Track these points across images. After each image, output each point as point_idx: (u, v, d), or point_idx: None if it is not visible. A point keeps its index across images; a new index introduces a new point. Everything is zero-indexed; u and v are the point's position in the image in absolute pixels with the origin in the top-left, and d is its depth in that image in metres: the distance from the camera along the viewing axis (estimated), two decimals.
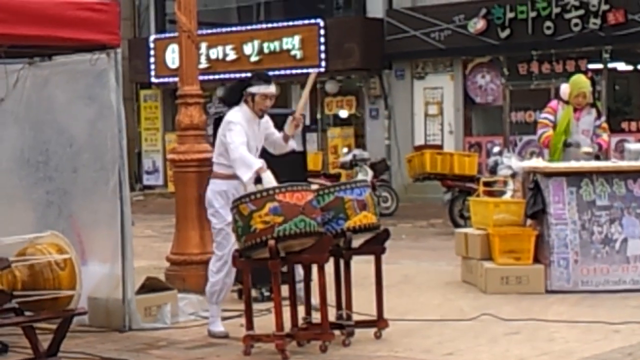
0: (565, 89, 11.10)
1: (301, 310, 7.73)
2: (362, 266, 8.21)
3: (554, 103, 11.22)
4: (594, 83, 11.12)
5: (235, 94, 7.99)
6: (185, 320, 8.63)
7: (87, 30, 8.12)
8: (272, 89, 7.96)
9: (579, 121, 10.98)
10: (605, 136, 11.09)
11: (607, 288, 9.72)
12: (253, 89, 7.88)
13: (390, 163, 22.47)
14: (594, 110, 11.09)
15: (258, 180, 7.62)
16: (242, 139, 7.69)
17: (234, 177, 7.73)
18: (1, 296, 6.04)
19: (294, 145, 8.24)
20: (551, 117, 11.04)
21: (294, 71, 24.14)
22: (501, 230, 10.04)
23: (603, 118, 11.26)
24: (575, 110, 10.97)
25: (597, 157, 11.08)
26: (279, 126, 8.18)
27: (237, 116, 7.84)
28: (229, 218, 7.57)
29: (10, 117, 9.20)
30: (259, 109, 7.89)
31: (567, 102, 10.98)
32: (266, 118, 8.07)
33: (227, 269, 7.91)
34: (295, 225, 7.13)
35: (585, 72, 11.49)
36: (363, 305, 8.13)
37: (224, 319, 8.72)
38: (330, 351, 7.36)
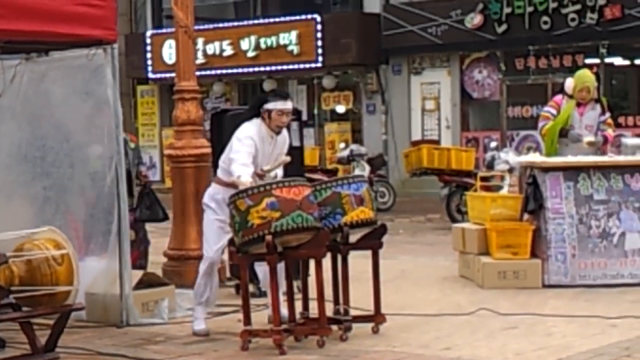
0: (569, 83, 11.07)
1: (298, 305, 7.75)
2: (359, 261, 8.21)
3: (558, 97, 11.20)
4: (599, 78, 11.08)
5: (253, 110, 7.99)
6: (183, 315, 8.62)
7: (84, 26, 8.11)
8: (288, 105, 7.91)
9: (583, 116, 10.95)
10: (610, 131, 11.06)
11: (604, 282, 9.72)
12: (269, 105, 7.85)
13: (388, 158, 22.48)
14: (598, 106, 11.06)
15: None
16: (247, 159, 7.65)
17: (232, 185, 7.72)
18: None
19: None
20: (554, 111, 11.02)
21: (291, 66, 24.16)
22: (498, 225, 10.04)
23: (608, 114, 11.20)
24: (579, 105, 10.95)
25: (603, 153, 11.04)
26: None
27: (252, 130, 7.79)
28: (216, 216, 7.74)
29: (7, 112, 9.19)
30: (275, 125, 7.86)
31: (571, 97, 10.96)
32: (285, 139, 8.00)
33: (212, 269, 7.94)
34: (292, 220, 7.14)
35: (590, 68, 11.45)
36: (360, 300, 8.13)
37: (221, 314, 8.74)
38: (328, 346, 7.36)
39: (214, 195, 7.96)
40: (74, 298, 6.32)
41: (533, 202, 9.84)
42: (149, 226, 10.43)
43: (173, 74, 11.05)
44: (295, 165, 9.20)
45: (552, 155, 10.71)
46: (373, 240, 7.89)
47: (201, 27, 22.75)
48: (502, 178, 11.02)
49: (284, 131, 8.03)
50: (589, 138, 10.80)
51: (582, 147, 10.71)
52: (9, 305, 6.20)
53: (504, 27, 21.64)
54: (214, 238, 7.90)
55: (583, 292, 9.47)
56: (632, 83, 22.12)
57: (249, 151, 7.67)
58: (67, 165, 8.98)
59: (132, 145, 9.45)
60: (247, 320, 7.43)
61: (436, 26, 22.57)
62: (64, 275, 6.17)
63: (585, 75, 11.08)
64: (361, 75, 24.21)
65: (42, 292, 6.11)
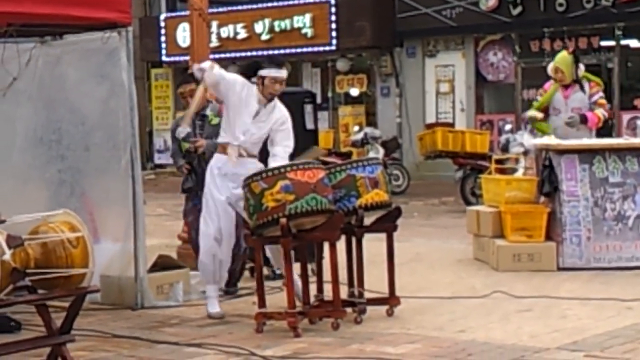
0: (550, 65, 11.25)
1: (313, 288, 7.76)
2: (373, 244, 8.22)
3: (547, 84, 11.33)
4: (577, 59, 11.14)
5: (245, 75, 7.97)
6: (197, 298, 8.63)
7: (99, 9, 8.11)
8: (282, 73, 7.86)
9: (568, 99, 11.03)
10: (599, 111, 11.04)
11: (619, 265, 9.70)
12: (263, 72, 7.82)
13: (402, 141, 22.43)
14: (586, 87, 11.08)
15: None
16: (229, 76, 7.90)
17: (221, 151, 7.89)
18: (14, 274, 6.05)
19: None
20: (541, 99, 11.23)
21: (305, 49, 24.12)
22: (513, 207, 10.03)
23: (601, 94, 11.21)
24: (566, 88, 11.02)
25: (601, 134, 11.10)
26: (288, 105, 8.11)
27: (240, 79, 7.89)
28: (216, 194, 7.82)
29: (23, 96, 9.20)
30: (268, 92, 7.82)
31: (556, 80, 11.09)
32: (283, 118, 7.92)
33: (214, 246, 7.93)
34: (306, 203, 7.14)
35: (573, 50, 11.53)
36: (375, 282, 8.14)
37: (236, 296, 8.76)
38: (342, 328, 7.37)
39: (212, 165, 7.98)
40: (89, 280, 6.33)
41: (548, 185, 9.82)
42: (163, 210, 10.42)
43: (187, 57, 11.05)
44: (309, 148, 9.21)
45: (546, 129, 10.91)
46: (387, 223, 7.89)
47: (215, 10, 22.72)
48: (517, 161, 10.99)
49: (283, 109, 7.96)
50: (565, 118, 10.93)
51: (566, 127, 10.82)
52: (24, 288, 6.22)
53: (519, 9, 21.55)
54: (211, 214, 7.91)
55: (598, 275, 9.46)
56: None
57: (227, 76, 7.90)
58: (82, 149, 9.00)
59: (215, 120, 8.91)
60: (262, 302, 7.44)
61: (451, 8, 22.49)
62: (79, 257, 6.18)
63: (558, 57, 11.29)
64: (375, 58, 24.16)
65: (57, 274, 6.12)
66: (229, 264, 8.18)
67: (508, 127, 17.75)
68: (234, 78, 7.89)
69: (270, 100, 7.87)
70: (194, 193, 8.77)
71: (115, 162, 8.53)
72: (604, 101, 11.18)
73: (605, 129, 20.16)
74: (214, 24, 23.74)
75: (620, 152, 9.91)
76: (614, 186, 9.84)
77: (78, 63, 8.93)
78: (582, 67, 11.19)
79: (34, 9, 7.67)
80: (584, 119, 10.93)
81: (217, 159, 7.97)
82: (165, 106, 27.68)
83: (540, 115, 11.07)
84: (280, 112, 7.93)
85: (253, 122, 7.83)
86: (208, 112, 8.77)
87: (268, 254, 8.05)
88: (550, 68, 11.29)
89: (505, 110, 22.65)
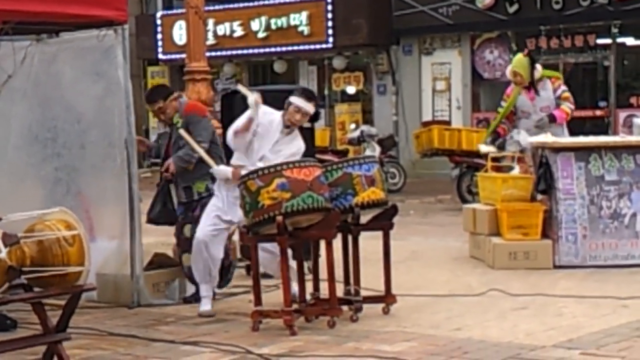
0: (508, 69, 11.35)
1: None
2: (370, 242, 8.21)
3: (509, 89, 11.40)
4: (532, 60, 11.21)
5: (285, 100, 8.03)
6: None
7: (94, 7, 8.11)
8: (309, 107, 7.87)
9: (534, 100, 11.09)
10: (565, 106, 11.08)
11: (615, 263, 9.71)
12: (292, 99, 7.86)
13: (398, 139, 22.44)
14: (548, 84, 11.13)
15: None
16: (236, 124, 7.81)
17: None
18: (10, 272, 6.04)
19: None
20: (505, 104, 11.27)
21: (301, 47, 24.12)
22: (509, 205, 10.03)
23: (563, 87, 11.27)
24: (528, 90, 11.07)
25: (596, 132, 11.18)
26: (284, 102, 8.10)
27: (267, 110, 7.87)
28: (221, 214, 7.95)
29: (18, 94, 9.19)
30: (287, 119, 7.86)
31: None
32: (299, 147, 7.92)
33: (201, 247, 8.00)
34: (302, 201, 7.14)
35: (529, 52, 11.65)
36: (371, 281, 8.15)
37: (232, 294, 8.76)
38: (338, 327, 7.37)
39: (221, 184, 8.05)
40: (85, 279, 6.32)
41: (544, 183, 9.83)
42: None
43: (183, 55, 11.04)
44: (306, 146, 9.20)
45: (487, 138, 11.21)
46: (384, 221, 7.89)
47: (211, 7, 22.69)
48: (513, 159, 10.99)
49: (301, 142, 7.95)
50: (534, 119, 11.01)
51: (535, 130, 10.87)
52: (20, 286, 6.21)
53: (515, 7, 21.55)
54: (206, 221, 8.02)
55: (594, 273, 9.46)
56: None
57: (236, 128, 7.82)
58: (78, 147, 8.99)
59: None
60: (258, 300, 7.44)
61: (447, 6, 22.49)
62: (75, 255, 6.17)
63: (515, 60, 11.44)
64: (372, 55, 24.16)
65: (53, 272, 6.12)
66: (219, 265, 8.23)
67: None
68: (262, 110, 7.84)
69: (288, 127, 7.88)
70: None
71: (111, 160, 8.54)
72: (567, 94, 11.24)
73: (601, 127, 20.29)
74: (210, 21, 23.75)
75: (616, 150, 9.92)
76: (610, 184, 9.84)
77: (74, 61, 8.93)
78: (538, 67, 11.26)
79: (30, 7, 7.66)
80: (552, 119, 10.99)
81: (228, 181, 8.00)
82: None
83: (492, 149, 11.11)
84: (297, 145, 7.95)
85: (271, 149, 7.85)
86: (176, 118, 8.58)
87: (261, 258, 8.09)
88: (508, 72, 11.39)
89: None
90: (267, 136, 7.83)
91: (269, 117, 7.88)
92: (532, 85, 11.11)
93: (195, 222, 8.26)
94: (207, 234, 8.00)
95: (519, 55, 11.49)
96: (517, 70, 11.12)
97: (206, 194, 8.39)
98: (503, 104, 11.41)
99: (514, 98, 11.17)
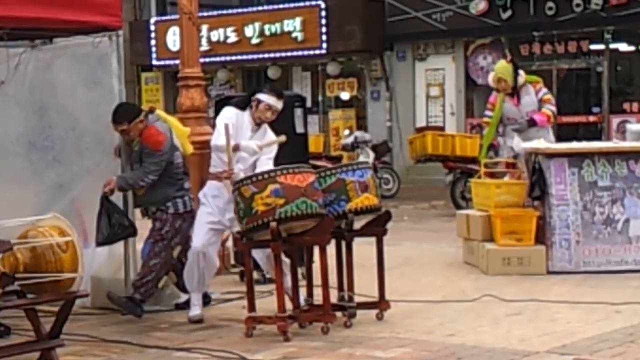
0: (490, 76, 11.35)
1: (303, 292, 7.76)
2: (363, 248, 8.22)
3: (492, 97, 11.40)
4: (516, 66, 11.24)
5: (248, 97, 8.01)
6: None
7: (89, 12, 8.10)
8: (278, 104, 7.93)
9: (519, 105, 11.10)
10: (545, 108, 11.09)
11: (609, 269, 9.72)
12: (261, 96, 7.88)
13: (392, 145, 22.46)
14: (530, 89, 11.15)
15: None
16: (220, 142, 7.77)
17: (214, 178, 7.92)
18: (3, 279, 6.04)
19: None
20: (490, 113, 11.30)
21: (295, 53, 24.14)
22: (503, 211, 10.04)
23: (544, 90, 11.30)
24: (512, 97, 11.09)
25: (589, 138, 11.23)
26: None
27: (230, 114, 7.87)
28: (210, 217, 7.88)
29: (11, 100, 9.18)
30: (257, 116, 7.89)
31: (499, 91, 11.16)
32: (272, 136, 7.98)
33: (197, 257, 7.97)
34: (296, 207, 7.14)
35: (511, 59, 11.73)
36: (365, 286, 8.14)
37: (226, 301, 8.76)
38: (332, 333, 7.37)
39: (207, 193, 8.05)
40: (79, 285, 6.32)
41: (537, 189, 9.84)
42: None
43: (177, 61, 11.04)
44: (299, 152, 9.21)
45: (483, 155, 11.19)
46: (377, 227, 7.90)
47: (205, 13, 22.70)
48: (508, 165, 11.01)
49: (269, 131, 8.01)
50: (513, 127, 11.08)
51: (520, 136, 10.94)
52: (13, 292, 6.21)
53: (508, 13, 21.59)
54: (201, 230, 7.99)
55: (587, 279, 9.47)
56: (637, 69, 22.06)
57: (220, 144, 7.78)
58: (73, 153, 8.98)
59: (137, 146, 8.33)
60: (252, 307, 7.44)
61: (441, 12, 22.52)
62: (68, 262, 6.17)
63: (498, 67, 11.44)
64: (365, 61, 24.18)
65: (46, 279, 6.11)
66: (214, 273, 8.24)
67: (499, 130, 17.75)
68: (226, 123, 7.77)
69: (258, 125, 7.92)
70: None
71: (105, 166, 8.52)
72: (548, 96, 11.26)
73: (594, 133, 20.33)
74: (204, 27, 23.75)
75: (609, 156, 9.94)
76: (603, 190, 9.86)
77: (69, 68, 8.91)
78: (522, 73, 11.24)
79: (24, 13, 7.65)
80: (532, 123, 10.99)
81: (210, 187, 8.02)
82: None
83: (524, 124, 11.11)
84: (270, 136, 8.01)
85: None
86: (136, 142, 8.19)
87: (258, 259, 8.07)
88: (491, 79, 11.37)
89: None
90: (238, 137, 7.83)
91: (239, 118, 7.87)
92: (514, 91, 11.09)
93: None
94: (205, 243, 7.97)
95: (502, 62, 11.50)
96: (502, 77, 11.10)
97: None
98: (488, 112, 11.38)
99: (500, 106, 11.15)
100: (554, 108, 11.21)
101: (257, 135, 7.95)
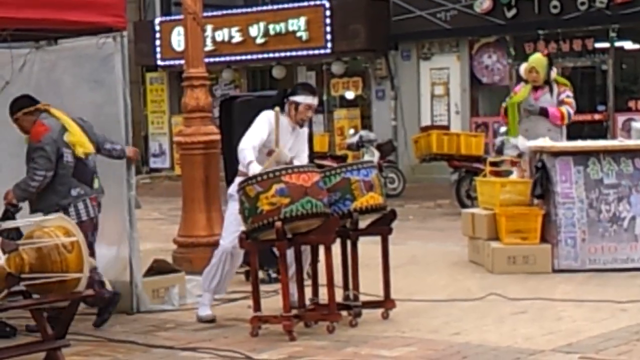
0: (522, 67, 11.45)
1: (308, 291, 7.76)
2: (369, 247, 8.22)
3: (517, 87, 11.56)
4: (551, 62, 11.44)
5: (278, 98, 7.98)
6: (193, 302, 8.63)
7: (93, 13, 8.11)
8: (315, 101, 7.97)
9: (538, 100, 11.29)
10: (563, 108, 11.25)
11: (614, 267, 9.71)
12: (298, 98, 7.86)
13: (397, 144, 22.44)
14: (555, 89, 11.28)
15: None
16: (255, 141, 7.67)
17: (243, 175, 7.69)
18: (9, 279, 6.05)
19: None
20: (505, 128, 11.41)
21: (299, 53, 24.14)
22: (508, 210, 10.03)
23: (568, 93, 11.40)
24: (536, 90, 11.18)
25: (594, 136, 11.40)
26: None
27: (271, 117, 7.78)
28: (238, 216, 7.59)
29: None
30: (300, 118, 7.88)
31: (527, 82, 11.23)
32: (305, 132, 8.03)
33: (225, 258, 7.90)
34: (301, 206, 7.14)
35: (548, 53, 11.90)
36: (370, 286, 8.15)
37: (231, 300, 8.76)
38: (338, 332, 7.37)
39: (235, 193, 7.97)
40: (84, 285, 6.33)
41: (540, 187, 9.85)
42: (158, 214, 10.35)
43: (182, 61, 11.06)
44: None
45: (514, 133, 11.19)
46: (383, 226, 7.90)
47: (210, 13, 22.71)
48: (512, 163, 11.01)
49: (302, 131, 8.05)
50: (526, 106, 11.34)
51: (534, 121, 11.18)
52: (19, 293, 6.22)
53: (513, 11, 21.56)
54: (231, 228, 7.85)
55: (593, 277, 9.47)
56: None
57: (260, 136, 7.68)
58: None
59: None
60: (257, 306, 7.44)
61: (445, 11, 22.50)
62: (74, 262, 6.18)
63: (533, 58, 11.57)
64: (370, 61, 24.17)
65: (52, 279, 6.12)
66: (233, 276, 8.21)
67: (503, 129, 17.70)
68: (261, 136, 7.71)
69: (301, 126, 7.94)
70: None
71: (109, 167, 8.52)
72: (570, 100, 11.39)
73: (599, 131, 20.31)
74: (209, 27, 23.76)
75: (615, 154, 9.93)
76: (609, 188, 9.85)
77: (73, 69, 8.92)
78: (555, 69, 11.39)
79: (28, 14, 7.66)
80: (544, 112, 11.09)
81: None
82: (160, 110, 27.65)
83: (536, 109, 11.26)
84: (304, 136, 8.08)
85: (291, 149, 7.88)
86: (27, 138, 7.99)
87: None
88: (523, 68, 11.56)
89: (500, 113, 22.62)
90: (283, 140, 7.80)
91: (281, 122, 7.83)
92: (548, 85, 11.23)
93: None
94: (234, 244, 7.74)
95: (538, 54, 11.69)
96: (536, 67, 11.26)
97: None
98: (507, 99, 11.57)
99: (524, 93, 11.32)
100: (571, 111, 11.34)
101: (299, 137, 7.97)
